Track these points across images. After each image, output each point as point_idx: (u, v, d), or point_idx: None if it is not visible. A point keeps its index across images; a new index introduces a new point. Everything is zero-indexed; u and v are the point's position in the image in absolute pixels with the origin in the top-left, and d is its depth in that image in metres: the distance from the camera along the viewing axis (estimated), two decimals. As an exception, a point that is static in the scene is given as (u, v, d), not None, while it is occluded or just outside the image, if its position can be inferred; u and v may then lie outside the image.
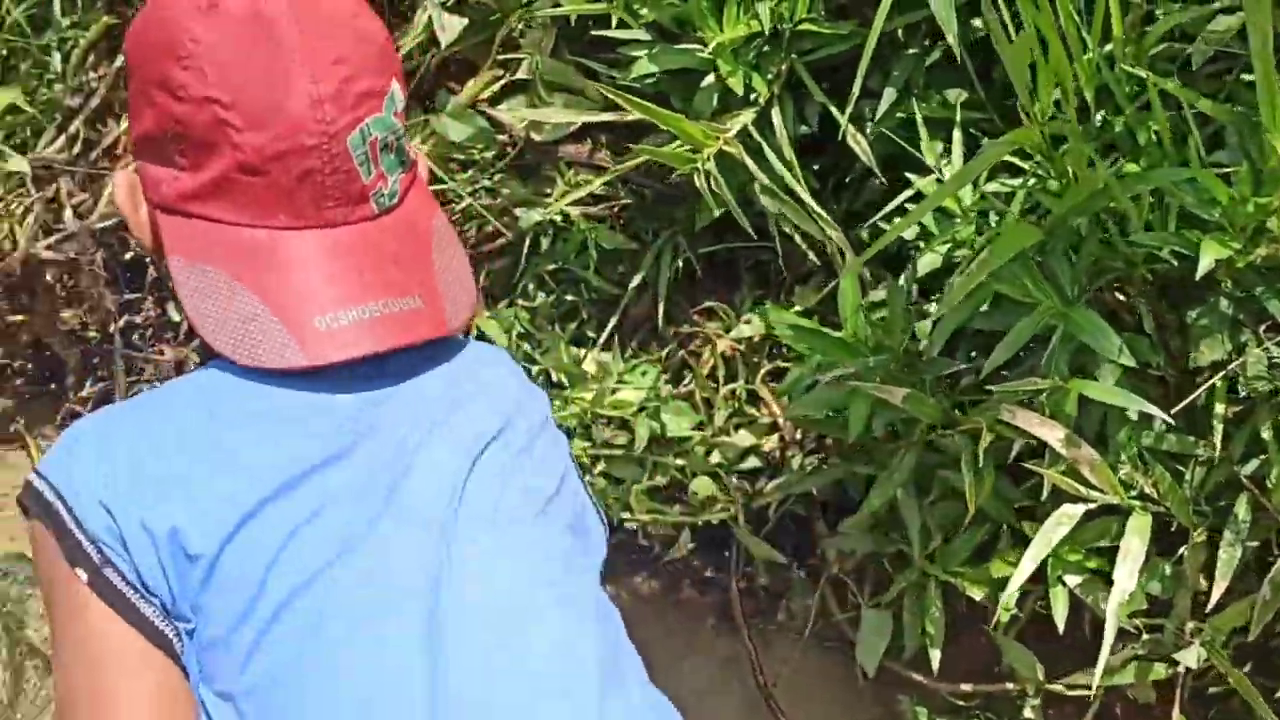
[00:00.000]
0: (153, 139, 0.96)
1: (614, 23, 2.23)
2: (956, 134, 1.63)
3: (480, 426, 0.99)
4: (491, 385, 1.04)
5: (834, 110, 1.82)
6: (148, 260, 2.63)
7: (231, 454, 0.89)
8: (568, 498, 1.04)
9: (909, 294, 1.63)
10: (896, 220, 1.50)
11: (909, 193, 1.63)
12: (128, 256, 2.59)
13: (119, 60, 2.55)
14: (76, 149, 2.53)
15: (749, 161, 1.91)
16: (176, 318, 2.65)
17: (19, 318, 2.46)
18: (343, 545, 0.88)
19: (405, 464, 0.93)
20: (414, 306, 0.95)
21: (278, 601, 0.86)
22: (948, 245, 1.60)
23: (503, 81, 2.38)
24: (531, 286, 2.44)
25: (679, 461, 2.15)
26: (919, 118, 1.67)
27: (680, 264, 2.30)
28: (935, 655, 1.70)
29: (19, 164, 2.28)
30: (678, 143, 1.91)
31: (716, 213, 2.21)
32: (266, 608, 0.86)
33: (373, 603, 0.87)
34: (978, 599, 1.65)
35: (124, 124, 2.57)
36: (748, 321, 2.24)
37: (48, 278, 2.42)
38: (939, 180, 1.62)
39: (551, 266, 2.42)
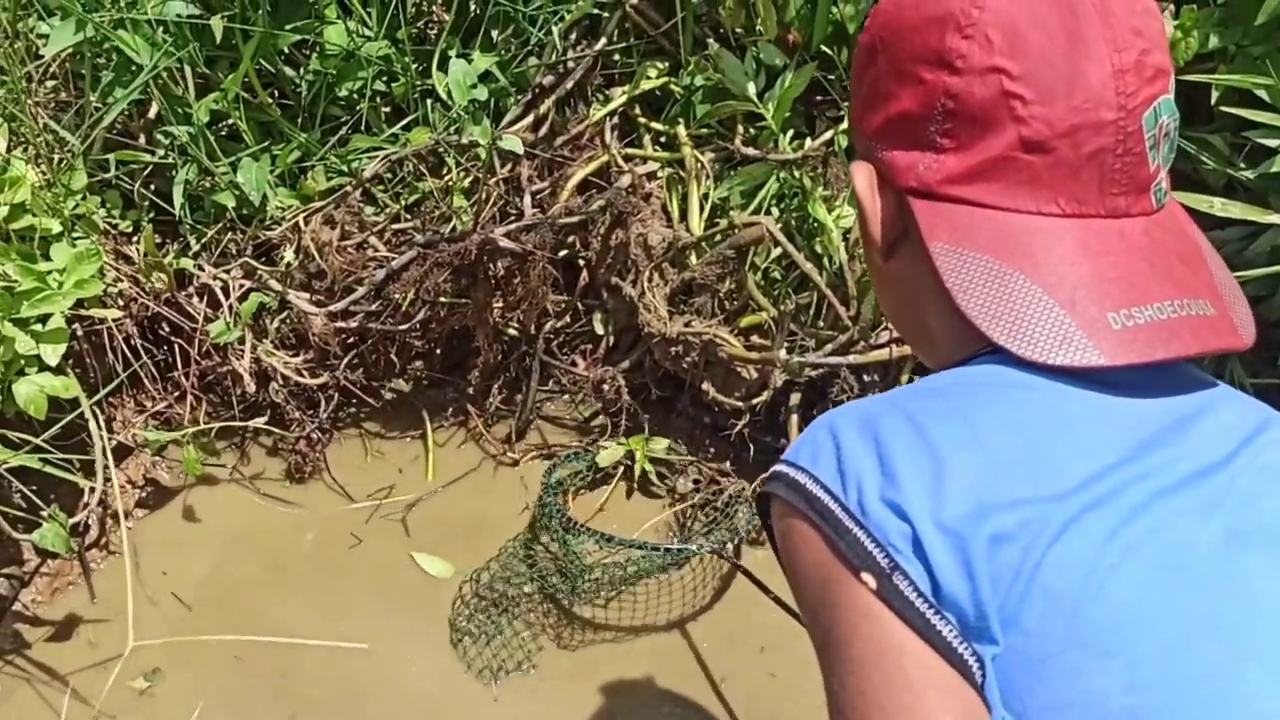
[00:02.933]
0: (909, 120, 0.90)
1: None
2: None
3: None
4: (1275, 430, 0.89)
5: None
6: (580, 263, 2.41)
7: (1041, 452, 0.79)
8: None
9: None
10: None
11: None
12: (561, 254, 2.38)
13: (600, 43, 2.33)
14: (542, 131, 2.32)
15: None
16: (600, 330, 2.43)
17: (456, 300, 2.26)
18: (1185, 570, 0.77)
19: (1230, 486, 0.81)
20: (1207, 312, 0.86)
21: (1114, 624, 0.74)
22: None
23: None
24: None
25: None
26: None
27: None
28: None
29: (513, 143, 2.07)
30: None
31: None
32: (1100, 631, 0.74)
33: (1237, 642, 0.75)
34: None
35: (595, 113, 2.35)
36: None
37: (495, 266, 2.20)
38: None
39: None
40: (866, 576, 0.76)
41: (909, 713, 0.73)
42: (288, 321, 2.29)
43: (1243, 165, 1.92)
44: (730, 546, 2.16)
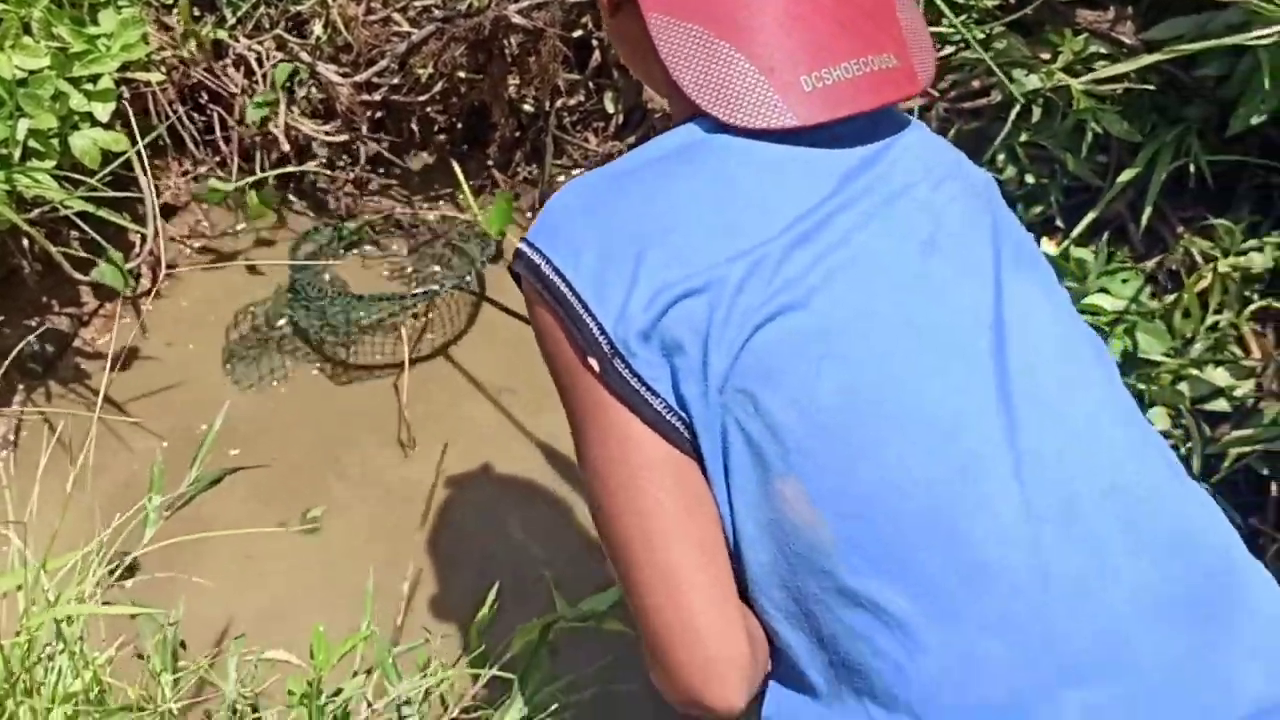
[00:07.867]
0: None
1: None
2: None
3: (975, 184, 0.99)
4: (960, 161, 1.01)
5: None
6: (594, 43, 2.54)
7: (737, 207, 0.87)
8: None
9: None
10: None
11: None
12: (575, 35, 2.50)
13: None
14: (557, -88, 2.42)
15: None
16: (610, 109, 2.58)
17: (474, 76, 2.40)
18: (891, 283, 0.87)
19: (932, 211, 0.91)
20: (890, 65, 0.92)
21: (821, 331, 0.84)
22: None
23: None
24: (1002, 157, 2.26)
25: (1139, 386, 1.98)
26: None
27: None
28: None
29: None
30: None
31: (1256, 120, 1.98)
32: (810, 339, 0.84)
33: (934, 341, 0.86)
34: None
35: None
36: (1259, 250, 2.02)
37: (509, 42, 2.35)
38: None
39: (1025, 138, 2.23)
40: (592, 361, 0.84)
41: (623, 489, 0.84)
42: (317, 91, 2.45)
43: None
44: (472, 277, 2.36)
